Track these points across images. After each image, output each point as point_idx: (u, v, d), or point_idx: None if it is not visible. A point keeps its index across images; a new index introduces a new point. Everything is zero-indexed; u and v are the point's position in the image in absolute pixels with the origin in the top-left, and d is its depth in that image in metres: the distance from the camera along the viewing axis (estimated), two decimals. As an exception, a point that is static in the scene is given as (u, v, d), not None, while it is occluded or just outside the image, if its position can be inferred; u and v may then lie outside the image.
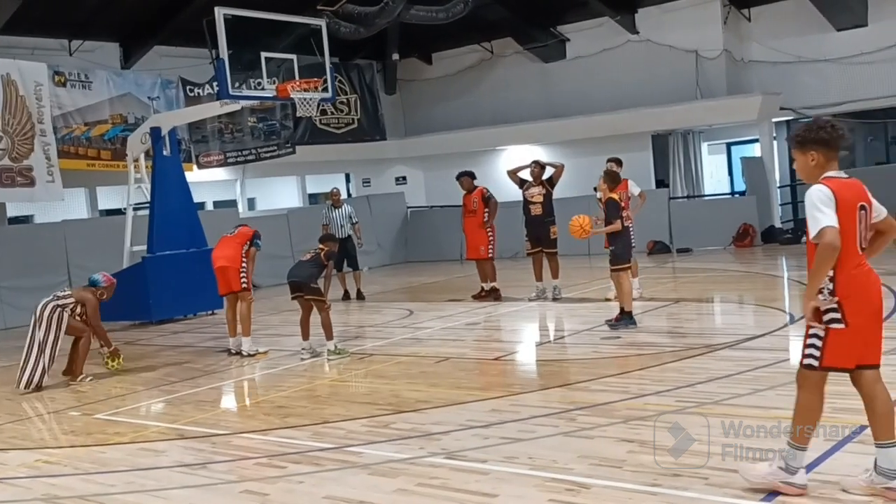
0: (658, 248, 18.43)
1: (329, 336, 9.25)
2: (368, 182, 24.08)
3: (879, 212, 4.28)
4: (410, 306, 13.01)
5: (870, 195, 4.27)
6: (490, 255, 12.76)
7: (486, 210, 12.74)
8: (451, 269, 18.27)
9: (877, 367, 4.29)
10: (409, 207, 22.40)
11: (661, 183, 20.54)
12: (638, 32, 20.61)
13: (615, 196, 9.87)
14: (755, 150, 20.15)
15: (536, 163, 12.61)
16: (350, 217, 14.28)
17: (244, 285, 9.82)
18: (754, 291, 12.57)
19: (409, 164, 24.08)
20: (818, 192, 4.10)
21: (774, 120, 19.49)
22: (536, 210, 12.33)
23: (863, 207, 4.16)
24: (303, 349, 9.40)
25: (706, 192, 20.99)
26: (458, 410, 6.59)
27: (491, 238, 12.71)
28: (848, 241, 4.09)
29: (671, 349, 8.33)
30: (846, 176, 4.24)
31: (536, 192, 12.38)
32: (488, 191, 12.92)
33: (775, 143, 19.76)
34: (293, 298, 9.45)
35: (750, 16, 20.00)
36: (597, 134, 19.91)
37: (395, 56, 23.00)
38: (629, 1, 20.44)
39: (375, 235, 20.29)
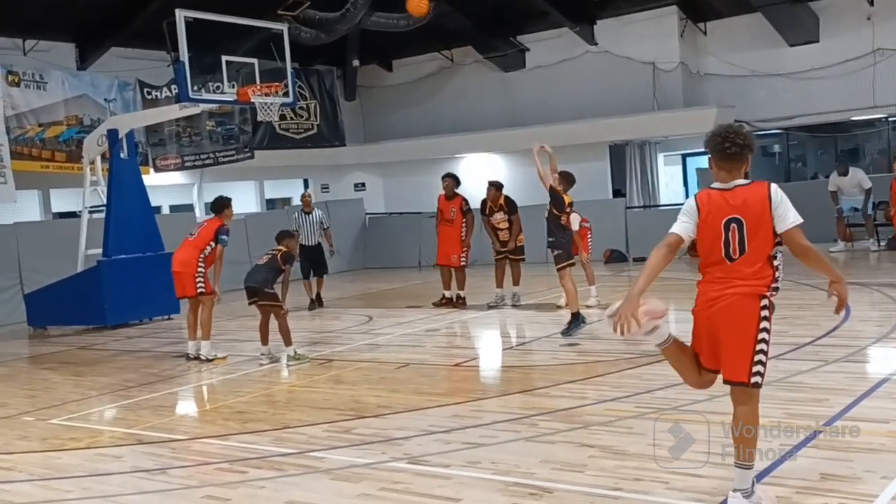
0: (615, 257, 18.61)
1: (287, 342, 9.20)
2: (327, 188, 23.99)
3: (783, 223, 4.13)
4: (369, 312, 12.99)
5: (767, 205, 4.10)
6: (463, 264, 12.76)
7: (464, 222, 12.69)
8: (409, 275, 18.26)
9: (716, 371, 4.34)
10: (367, 214, 22.36)
11: (618, 192, 20.80)
12: (597, 44, 20.88)
13: (562, 193, 9.92)
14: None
15: (492, 185, 12.56)
16: (321, 223, 13.98)
17: (200, 289, 9.70)
18: (709, 300, 12.74)
19: (368, 170, 24.07)
20: (686, 203, 4.30)
21: (729, 132, 19.82)
22: (504, 236, 12.35)
23: (734, 220, 4.12)
24: (262, 354, 9.34)
25: (662, 202, 21.29)
26: (419, 416, 6.61)
27: (465, 249, 12.71)
28: (710, 252, 4.18)
29: (629, 356, 8.42)
30: (741, 184, 4.17)
31: (501, 219, 12.38)
32: (467, 203, 12.83)
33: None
34: (250, 304, 9.39)
35: (706, 29, 20.38)
36: (555, 143, 19.64)
37: (356, 62, 22.99)
38: (588, 12, 20.70)
39: (334, 241, 20.18)
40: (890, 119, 19.57)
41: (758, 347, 4.15)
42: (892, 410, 5.73)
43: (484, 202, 12.56)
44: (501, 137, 21.19)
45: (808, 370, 7.03)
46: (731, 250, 4.15)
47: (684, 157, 22.47)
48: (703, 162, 21.12)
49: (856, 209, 16.68)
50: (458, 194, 12.90)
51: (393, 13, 19.57)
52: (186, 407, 8.23)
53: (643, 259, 18.30)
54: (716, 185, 4.25)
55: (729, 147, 4.16)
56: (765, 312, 4.16)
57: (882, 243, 16.46)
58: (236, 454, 5.95)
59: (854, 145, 21.28)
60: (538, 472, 5.06)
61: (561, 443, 5.62)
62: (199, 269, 9.67)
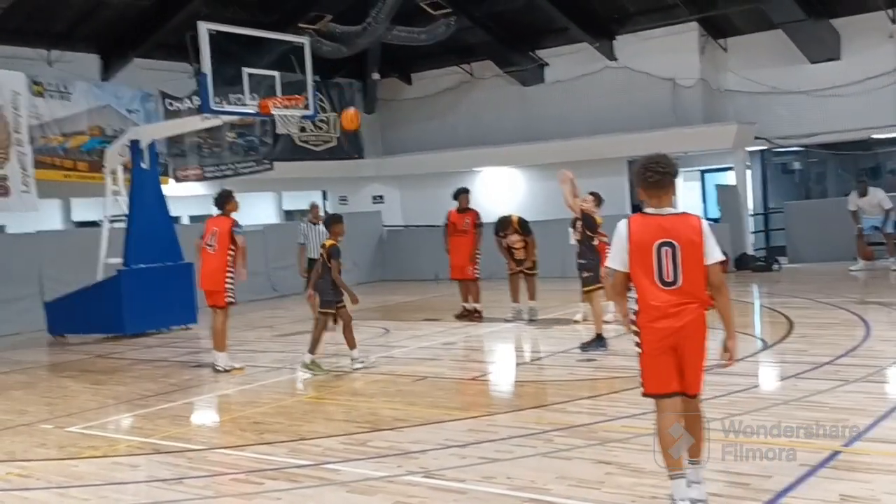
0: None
1: (313, 349, 9.23)
2: (345, 200, 24.08)
3: (710, 256, 4.36)
4: (386, 325, 13.00)
5: (699, 235, 4.32)
6: (476, 275, 12.79)
7: (476, 234, 12.73)
8: (426, 288, 18.28)
9: (672, 395, 4.45)
10: (385, 226, 22.41)
11: (637, 208, 20.70)
12: (616, 59, 20.88)
13: (594, 215, 9.99)
14: (728, 178, 20.40)
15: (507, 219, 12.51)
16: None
17: (230, 300, 9.70)
18: (727, 317, 12.67)
19: (387, 182, 24.14)
20: (616, 227, 4.49)
21: (749, 149, 19.78)
22: (519, 255, 12.34)
23: (667, 244, 4.29)
24: (352, 359, 9.42)
25: (680, 219, 21.18)
26: (435, 429, 6.61)
27: (477, 260, 12.76)
28: (642, 276, 4.34)
29: (646, 373, 8.40)
30: (671, 212, 4.39)
31: (517, 240, 12.37)
32: (479, 217, 12.83)
33: (749, 171, 20.06)
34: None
35: (726, 46, 20.34)
36: (574, 158, 20.02)
37: (376, 75, 23.13)
38: (607, 28, 20.72)
39: (351, 253, 20.24)
40: (912, 137, 19.44)
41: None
42: (913, 432, 5.68)
43: (500, 222, 12.50)
44: (520, 152, 21.21)
45: (828, 389, 6.97)
46: (664, 274, 4.32)
47: (703, 173, 22.37)
48: (723, 178, 21.08)
49: (876, 227, 16.56)
50: (470, 208, 12.97)
51: (413, 27, 19.69)
52: (203, 417, 8.27)
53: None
54: (648, 210, 4.45)
55: (651, 176, 4.37)
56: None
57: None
58: (252, 465, 5.97)
59: (875, 164, 21.09)
60: (554, 488, 5.04)
61: (577, 459, 5.60)
62: (228, 281, 9.65)
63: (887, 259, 16.40)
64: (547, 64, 22.03)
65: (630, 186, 20.92)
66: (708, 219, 21.22)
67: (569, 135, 20.43)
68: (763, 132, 19.31)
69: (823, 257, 17.76)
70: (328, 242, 9.52)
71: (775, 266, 17.89)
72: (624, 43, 20.73)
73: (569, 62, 21.50)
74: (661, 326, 4.36)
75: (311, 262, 12.84)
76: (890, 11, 18.08)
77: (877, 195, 16.45)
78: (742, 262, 18.35)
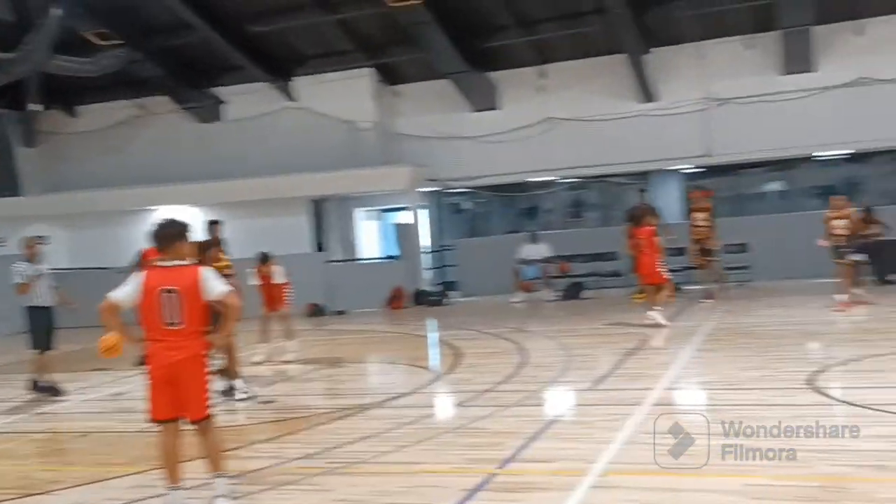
0: (316, 311, 18.75)
1: None
2: (3, 241, 21.82)
3: (211, 292, 5.29)
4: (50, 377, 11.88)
5: (199, 281, 5.27)
6: None
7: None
8: (97, 335, 17.02)
9: (177, 420, 5.38)
10: (49, 269, 20.59)
11: (320, 247, 21.03)
12: (295, 100, 21.13)
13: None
14: (406, 217, 21.42)
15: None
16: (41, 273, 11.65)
17: None
18: (405, 351, 13.24)
19: (52, 222, 22.22)
20: (134, 275, 5.45)
21: (422, 190, 20.90)
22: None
23: (170, 291, 5.22)
24: None
25: (361, 257, 21.83)
26: (97, 489, 6.16)
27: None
28: (150, 318, 5.26)
29: (325, 410, 8.49)
30: (177, 264, 5.33)
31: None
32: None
33: (424, 211, 21.19)
34: None
35: (399, 92, 21.40)
36: (255, 197, 19.99)
37: (37, 106, 21.30)
38: (286, 68, 20.92)
39: (11, 301, 18.36)
40: (561, 181, 21.71)
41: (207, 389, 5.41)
42: (557, 450, 6.25)
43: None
44: (199, 190, 20.63)
45: (487, 416, 7.49)
46: (168, 316, 5.22)
47: (382, 212, 23.28)
48: (401, 217, 22.08)
49: (538, 267, 18.44)
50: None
51: (80, 57, 18.50)
52: None
53: (343, 312, 18.74)
54: (161, 262, 5.41)
55: (155, 238, 5.44)
56: (206, 367, 5.43)
57: (556, 294, 18.15)
58: None
59: (533, 204, 23.30)
60: (223, 539, 4.89)
61: (249, 507, 5.49)
62: None
63: (543, 292, 18.19)
64: (225, 101, 21.73)
65: (312, 225, 21.22)
66: (388, 256, 22.17)
67: (249, 174, 20.27)
68: (435, 174, 20.52)
69: (490, 291, 19.21)
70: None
71: (447, 300, 19.01)
72: (302, 84, 21.05)
73: (248, 101, 21.38)
74: (159, 362, 5.29)
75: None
76: (539, 67, 20.14)
77: (542, 246, 18.39)
78: (419, 298, 19.28)
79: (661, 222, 13.86)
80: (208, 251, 9.36)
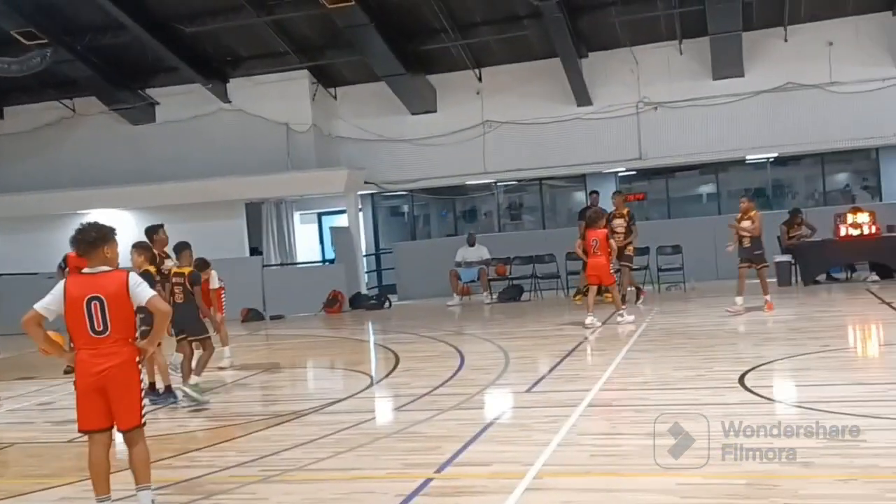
0: (252, 316, 18.51)
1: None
2: (-78, 246, 21.09)
3: (139, 298, 5.13)
4: (-29, 388, 11.51)
5: (125, 289, 5.07)
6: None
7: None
8: (22, 343, 16.53)
9: (107, 430, 5.23)
10: (-28, 276, 19.98)
11: (255, 251, 20.78)
12: (230, 101, 20.85)
13: (150, 268, 9.44)
14: (343, 221, 21.29)
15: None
16: None
17: None
18: (342, 356, 13.14)
19: (-24, 226, 21.58)
20: (57, 285, 5.20)
21: (360, 193, 20.81)
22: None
23: (96, 299, 5.04)
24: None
25: (299, 260, 21.63)
26: (19, 502, 5.95)
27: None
28: (76, 326, 5.09)
29: (261, 417, 8.37)
30: (102, 271, 5.12)
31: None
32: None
33: (361, 214, 21.10)
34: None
35: (336, 95, 21.29)
36: (189, 200, 19.64)
37: (-41, 107, 20.67)
38: (221, 70, 20.64)
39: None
40: (499, 184, 21.84)
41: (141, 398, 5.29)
42: (494, 453, 6.25)
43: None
44: (131, 193, 20.22)
45: (425, 420, 7.47)
46: (95, 324, 5.05)
47: (319, 215, 23.11)
48: (338, 221, 21.96)
49: (473, 281, 18.50)
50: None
51: (5, 56, 17.99)
52: None
53: (281, 317, 18.54)
54: (85, 270, 5.19)
55: (76, 245, 5.19)
56: (138, 374, 5.27)
57: (494, 297, 18.22)
58: None
59: (472, 206, 23.38)
60: (153, 551, 4.78)
61: (181, 517, 5.38)
62: None
63: (482, 294, 18.23)
64: (158, 103, 21.32)
65: (248, 229, 20.95)
66: (326, 260, 22.02)
67: (184, 176, 19.93)
68: (372, 177, 20.46)
69: (428, 294, 19.20)
70: (186, 270, 9.34)
71: (386, 304, 18.94)
72: (238, 86, 20.78)
73: (181, 102, 21.02)
74: (85, 371, 5.10)
75: None
76: (477, 71, 20.23)
77: (481, 249, 18.38)
78: (357, 301, 19.18)
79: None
80: (181, 254, 9.64)
